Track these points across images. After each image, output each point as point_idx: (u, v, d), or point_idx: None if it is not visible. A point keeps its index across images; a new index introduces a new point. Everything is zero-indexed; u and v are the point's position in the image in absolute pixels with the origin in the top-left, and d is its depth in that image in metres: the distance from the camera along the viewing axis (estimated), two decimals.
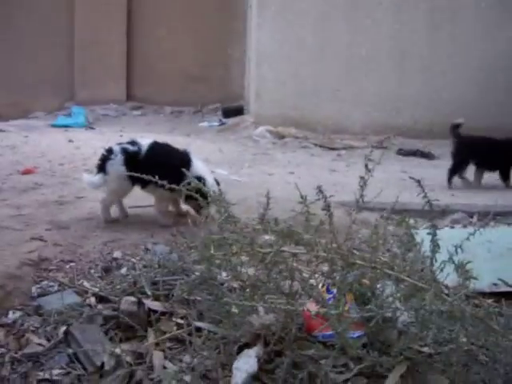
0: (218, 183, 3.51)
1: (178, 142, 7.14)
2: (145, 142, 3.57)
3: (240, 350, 1.98)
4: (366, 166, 2.05)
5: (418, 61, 8.61)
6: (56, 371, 1.98)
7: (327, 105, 8.63)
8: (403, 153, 7.53)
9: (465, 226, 3.86)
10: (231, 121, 9.52)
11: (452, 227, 3.86)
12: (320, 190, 1.81)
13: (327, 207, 1.84)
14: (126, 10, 11.05)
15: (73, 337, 2.14)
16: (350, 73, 8.65)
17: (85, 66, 10.98)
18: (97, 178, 3.58)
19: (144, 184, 3.45)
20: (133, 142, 3.56)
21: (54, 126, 9.11)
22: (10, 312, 2.38)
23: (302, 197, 1.89)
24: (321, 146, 7.90)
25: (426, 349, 1.99)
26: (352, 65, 8.64)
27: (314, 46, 8.65)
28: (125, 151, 3.50)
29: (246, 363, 1.89)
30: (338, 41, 8.63)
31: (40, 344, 2.15)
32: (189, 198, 2.52)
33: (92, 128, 9.06)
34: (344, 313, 1.74)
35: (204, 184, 3.15)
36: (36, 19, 10.76)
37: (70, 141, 7.18)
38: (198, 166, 3.55)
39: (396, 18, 8.55)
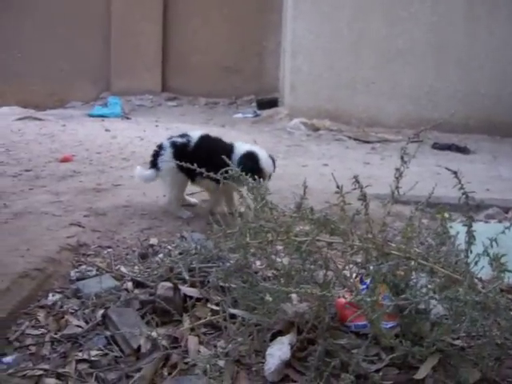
0: (273, 160, 3.47)
1: (213, 132, 7.22)
2: (195, 133, 3.54)
3: (273, 337, 2.01)
4: (402, 157, 2.06)
5: (455, 54, 8.52)
6: (94, 352, 2.03)
7: (362, 97, 8.59)
8: (438, 147, 7.47)
9: (500, 221, 3.83)
10: (265, 112, 9.53)
11: (487, 222, 3.84)
12: (356, 180, 1.83)
13: (363, 197, 1.85)
14: (162, 0, 11.12)
15: (110, 320, 2.19)
16: (386, 65, 8.60)
17: (121, 57, 11.08)
18: (148, 172, 3.62)
19: (193, 176, 3.46)
20: (183, 135, 3.53)
21: (90, 115, 9.22)
22: (50, 294, 2.44)
23: (338, 186, 1.91)
24: (355, 139, 7.88)
25: (458, 341, 1.99)
26: (388, 57, 8.59)
27: (350, 38, 8.61)
28: (173, 144, 3.49)
29: (279, 350, 1.92)
30: (374, 33, 8.58)
31: (79, 326, 2.20)
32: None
33: (128, 118, 9.16)
34: (378, 301, 1.75)
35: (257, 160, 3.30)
36: (73, 9, 10.89)
37: (107, 130, 7.28)
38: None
39: (433, 9, 8.46)
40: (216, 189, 3.40)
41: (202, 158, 2.76)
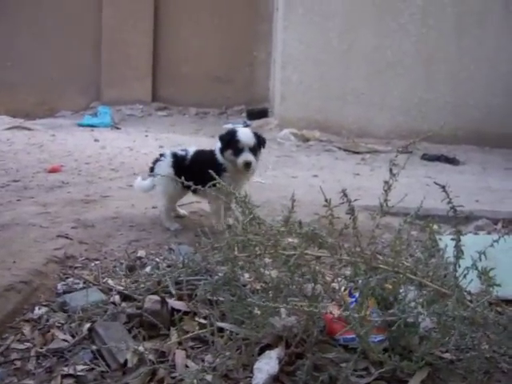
0: (258, 136, 3.47)
1: (202, 143, 7.22)
2: (191, 148, 3.60)
3: (261, 351, 1.99)
4: (391, 170, 2.06)
5: (444, 65, 8.57)
6: (80, 367, 2.01)
7: (352, 108, 8.62)
8: (428, 158, 7.48)
9: (489, 233, 3.83)
10: (256, 123, 9.53)
11: (476, 234, 3.84)
12: (344, 193, 1.82)
13: (351, 211, 1.84)
14: (152, 10, 11.12)
15: (97, 334, 2.17)
16: (376, 76, 8.62)
17: (111, 66, 11.07)
18: (147, 182, 3.70)
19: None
20: (183, 150, 3.60)
21: (80, 125, 9.19)
22: (36, 308, 2.42)
23: (326, 200, 1.90)
24: (345, 150, 7.89)
25: (447, 355, 1.99)
26: (378, 68, 8.62)
27: (340, 48, 8.64)
28: (174, 155, 3.55)
29: (267, 364, 1.91)
30: (364, 44, 8.61)
31: (65, 340, 2.18)
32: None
33: (118, 128, 9.14)
34: (366, 317, 1.74)
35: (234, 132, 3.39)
36: (63, 19, 10.88)
37: (96, 140, 7.27)
38: None
39: (423, 21, 8.51)
40: (216, 199, 3.28)
41: (195, 171, 2.80)
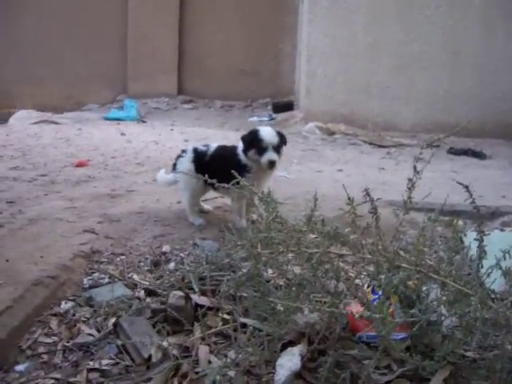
0: (281, 135, 3.49)
1: (228, 136, 7.25)
2: (213, 144, 3.63)
3: (284, 347, 2.00)
4: (415, 167, 2.05)
5: (470, 58, 8.46)
6: (105, 361, 2.04)
7: (377, 102, 8.56)
8: (454, 152, 7.42)
9: None
10: (281, 116, 9.53)
11: (502, 230, 3.80)
12: (367, 192, 1.82)
13: (374, 210, 1.84)
14: (178, 3, 11.16)
15: (122, 328, 2.20)
16: (402, 70, 8.55)
17: (137, 60, 11.14)
18: (170, 176, 3.74)
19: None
20: (205, 145, 3.62)
21: (106, 118, 9.28)
22: (63, 302, 2.46)
23: (349, 198, 1.90)
24: (370, 144, 7.85)
25: (470, 354, 1.97)
26: (403, 61, 8.54)
27: (365, 42, 8.58)
28: (195, 150, 3.57)
29: (290, 361, 1.91)
30: (389, 37, 8.54)
31: (90, 334, 2.21)
32: None
33: (143, 121, 9.20)
34: (388, 315, 1.74)
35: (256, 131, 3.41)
36: (90, 14, 10.98)
37: (122, 134, 7.32)
38: None
39: (449, 14, 8.41)
40: (238, 197, 3.38)
41: (216, 168, 2.81)
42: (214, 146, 3.60)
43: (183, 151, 3.63)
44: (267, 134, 3.39)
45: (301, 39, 9.52)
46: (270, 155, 3.31)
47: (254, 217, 3.48)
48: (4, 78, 10.82)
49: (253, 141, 3.37)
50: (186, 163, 3.52)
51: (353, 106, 8.59)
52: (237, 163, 3.32)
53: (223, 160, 3.38)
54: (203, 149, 3.56)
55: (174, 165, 3.65)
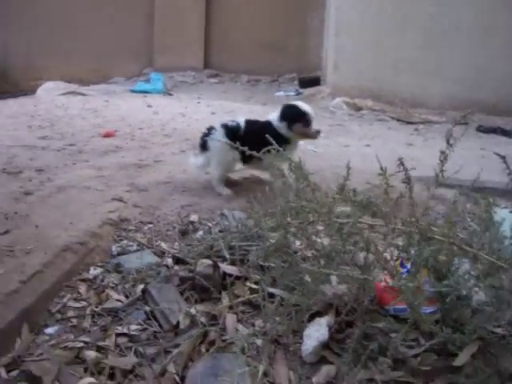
0: None
1: (254, 110, 7.22)
2: (241, 119, 3.67)
3: (311, 317, 2.00)
4: (448, 140, 2.02)
5: (503, 34, 8.27)
6: (133, 327, 2.06)
7: (406, 77, 8.44)
8: (483, 130, 7.30)
9: None
10: (308, 91, 9.46)
11: None
12: (401, 162, 1.80)
13: (408, 180, 1.82)
14: None
15: (150, 295, 2.21)
16: (431, 45, 8.41)
17: (164, 33, 11.11)
18: (201, 159, 3.71)
19: (245, 157, 3.55)
20: (233, 120, 3.65)
21: (133, 91, 9.30)
22: (92, 268, 2.48)
23: (381, 168, 1.88)
24: (398, 120, 7.76)
25: (499, 330, 1.96)
26: (433, 37, 8.39)
27: (395, 16, 8.44)
28: (225, 126, 3.60)
29: (317, 331, 1.91)
30: (419, 11, 8.39)
31: (119, 300, 2.23)
32: None
33: (170, 94, 9.20)
34: (419, 287, 1.73)
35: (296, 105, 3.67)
36: None
37: (149, 106, 7.33)
38: None
39: None
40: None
41: (253, 140, 2.81)
42: (242, 120, 3.63)
43: (210, 129, 3.65)
44: (307, 107, 3.63)
45: (329, 14, 9.41)
46: (316, 126, 3.60)
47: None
48: (31, 51, 10.89)
49: (298, 115, 3.57)
50: (220, 137, 3.51)
51: (381, 82, 8.50)
52: (277, 136, 3.30)
53: (261, 133, 3.27)
54: (234, 124, 3.59)
55: (203, 144, 3.66)
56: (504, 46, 8.28)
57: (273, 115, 3.65)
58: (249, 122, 3.64)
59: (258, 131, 3.39)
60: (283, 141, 3.39)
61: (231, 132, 3.56)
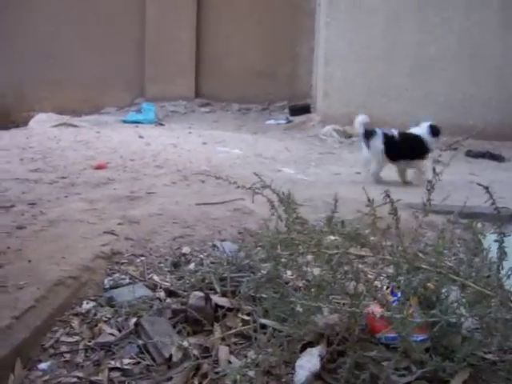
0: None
1: (245, 139, 7.28)
2: (395, 131, 5.29)
3: (303, 348, 2.01)
4: (434, 169, 2.06)
5: (489, 60, 8.41)
6: (126, 360, 2.06)
7: (395, 104, 8.53)
8: (472, 154, 7.37)
9: None
10: (298, 119, 9.53)
11: None
12: (387, 194, 1.83)
13: (394, 211, 1.85)
14: (195, 6, 11.18)
15: (143, 328, 2.22)
16: (419, 72, 8.52)
17: (155, 63, 11.18)
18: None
19: (395, 159, 5.29)
20: (389, 130, 5.28)
21: (124, 121, 9.32)
22: (84, 302, 2.48)
23: (369, 200, 1.91)
24: None
25: (490, 356, 1.97)
26: (421, 64, 8.51)
27: (383, 44, 8.57)
28: (385, 134, 5.19)
29: (309, 362, 1.92)
30: (407, 39, 8.52)
31: (112, 334, 2.24)
32: None
33: (161, 124, 9.24)
34: (408, 317, 1.75)
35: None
36: (107, 16, 11.03)
37: (141, 137, 7.36)
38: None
39: (466, 16, 8.37)
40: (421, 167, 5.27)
41: (406, 147, 5.14)
42: (396, 132, 5.26)
43: (372, 131, 5.23)
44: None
45: (318, 42, 9.53)
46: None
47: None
48: (23, 82, 10.91)
49: (440, 132, 5.38)
50: (378, 144, 5.18)
51: (370, 109, 8.54)
52: (425, 146, 5.21)
53: (414, 143, 5.23)
54: (390, 133, 5.21)
55: (366, 140, 5.24)
56: (490, 73, 8.40)
57: (418, 130, 5.35)
58: (401, 134, 5.27)
59: (410, 141, 5.26)
60: (427, 150, 5.17)
61: (388, 139, 5.15)
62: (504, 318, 1.59)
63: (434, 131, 5.36)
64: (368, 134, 5.23)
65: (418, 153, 5.26)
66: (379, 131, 5.20)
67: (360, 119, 5.40)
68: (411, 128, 5.55)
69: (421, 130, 5.37)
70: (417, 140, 5.21)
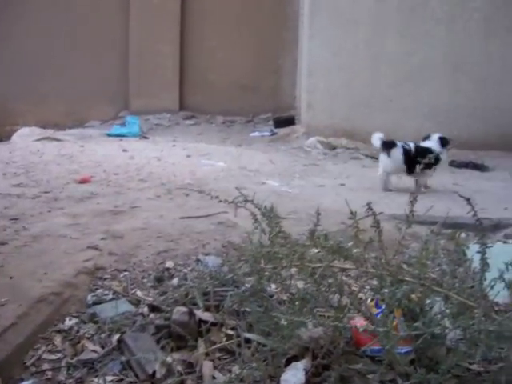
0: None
1: (229, 152, 7.28)
2: (412, 144, 5.65)
3: (288, 362, 2.00)
4: (417, 181, 2.06)
5: (472, 70, 8.48)
6: (109, 378, 2.04)
7: (379, 115, 8.56)
8: (456, 164, 7.40)
9: None
10: (282, 131, 9.54)
11: (505, 242, 3.80)
12: (369, 206, 1.83)
13: (376, 224, 1.85)
14: (179, 20, 11.21)
15: (126, 345, 2.20)
16: (403, 83, 8.57)
17: (139, 76, 11.17)
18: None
19: (411, 170, 5.46)
20: (406, 143, 5.64)
21: (108, 135, 9.28)
22: (67, 319, 2.46)
23: (351, 212, 1.91)
24: (372, 157, 7.84)
25: (474, 366, 1.97)
26: (405, 75, 8.56)
27: (367, 55, 8.61)
28: (403, 147, 5.58)
29: (294, 376, 1.92)
30: (390, 51, 8.56)
31: (94, 351, 2.22)
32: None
33: (146, 137, 9.21)
34: (392, 329, 1.74)
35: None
36: (91, 30, 11.01)
37: (125, 150, 7.33)
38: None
39: (450, 27, 8.44)
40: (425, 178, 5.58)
41: (415, 159, 5.23)
42: (413, 145, 5.64)
43: (392, 142, 5.63)
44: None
45: (301, 54, 9.56)
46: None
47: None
48: (6, 96, 10.85)
49: (448, 142, 5.84)
50: (398, 155, 5.54)
51: (354, 120, 8.61)
52: (437, 158, 5.29)
53: (425, 154, 5.58)
54: (407, 147, 5.59)
55: (387, 149, 5.60)
56: (473, 83, 8.47)
57: (428, 143, 5.73)
58: (417, 146, 5.64)
59: (424, 153, 5.23)
60: (438, 161, 5.38)
61: (406, 151, 5.54)
62: (487, 329, 1.59)
63: (444, 142, 5.81)
64: (387, 145, 5.62)
65: (430, 164, 5.45)
66: (399, 143, 5.61)
67: (377, 135, 5.79)
68: (422, 141, 5.90)
69: (431, 142, 5.79)
70: (429, 152, 5.28)
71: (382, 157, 5.75)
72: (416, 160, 5.28)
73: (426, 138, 5.96)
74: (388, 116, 8.53)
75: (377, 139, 5.75)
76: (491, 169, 7.26)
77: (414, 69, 8.51)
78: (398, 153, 5.56)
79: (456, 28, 8.42)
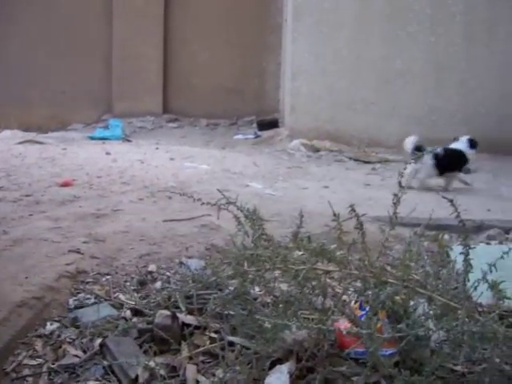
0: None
1: (213, 155, 7.26)
2: (440, 148, 5.90)
3: (272, 365, 1.99)
4: (400, 183, 2.06)
5: (454, 74, 8.54)
6: (91, 383, 2.02)
7: (362, 118, 8.61)
8: None
9: (501, 243, 3.81)
10: (266, 134, 9.55)
11: (488, 243, 3.82)
12: (352, 208, 1.82)
13: (360, 226, 1.85)
14: (162, 23, 11.19)
15: (108, 349, 2.17)
16: (385, 86, 8.62)
17: (122, 79, 11.13)
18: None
19: (442, 172, 5.96)
20: (436, 148, 5.81)
21: (91, 138, 9.24)
22: (48, 323, 2.43)
23: (335, 214, 1.90)
24: (355, 160, 7.88)
25: (458, 368, 1.97)
26: (387, 78, 8.62)
27: (349, 58, 8.65)
28: (434, 151, 5.73)
29: (278, 379, 1.91)
30: (373, 53, 8.61)
31: (76, 355, 2.19)
32: None
33: (129, 140, 9.18)
34: (376, 331, 1.74)
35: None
36: (74, 34, 10.97)
37: (108, 153, 7.28)
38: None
39: (431, 30, 8.51)
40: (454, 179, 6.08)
41: (451, 161, 5.90)
42: (442, 148, 5.90)
43: (422, 147, 5.63)
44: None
45: (285, 57, 9.58)
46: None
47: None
48: None
49: (477, 144, 6.08)
50: (429, 159, 5.81)
51: (338, 123, 8.64)
52: (465, 159, 6.01)
53: (457, 157, 6.04)
54: (438, 151, 5.81)
55: (417, 153, 5.25)
56: (456, 85, 8.53)
57: (459, 144, 6.05)
58: (446, 149, 5.95)
59: (454, 155, 5.97)
60: (467, 162, 6.01)
61: (436, 155, 5.82)
62: (471, 330, 1.59)
63: (473, 144, 6.05)
64: (419, 150, 5.57)
65: (460, 165, 6.11)
66: (429, 149, 5.65)
67: (412, 139, 6.02)
68: (452, 143, 6.15)
69: (461, 144, 6.06)
70: (459, 154, 5.95)
71: (415, 165, 5.75)
72: (447, 162, 5.89)
73: (455, 139, 6.19)
74: (371, 118, 8.59)
75: (411, 143, 5.96)
76: (474, 171, 7.30)
77: (396, 71, 8.57)
78: (428, 158, 5.78)
79: (438, 31, 8.48)
